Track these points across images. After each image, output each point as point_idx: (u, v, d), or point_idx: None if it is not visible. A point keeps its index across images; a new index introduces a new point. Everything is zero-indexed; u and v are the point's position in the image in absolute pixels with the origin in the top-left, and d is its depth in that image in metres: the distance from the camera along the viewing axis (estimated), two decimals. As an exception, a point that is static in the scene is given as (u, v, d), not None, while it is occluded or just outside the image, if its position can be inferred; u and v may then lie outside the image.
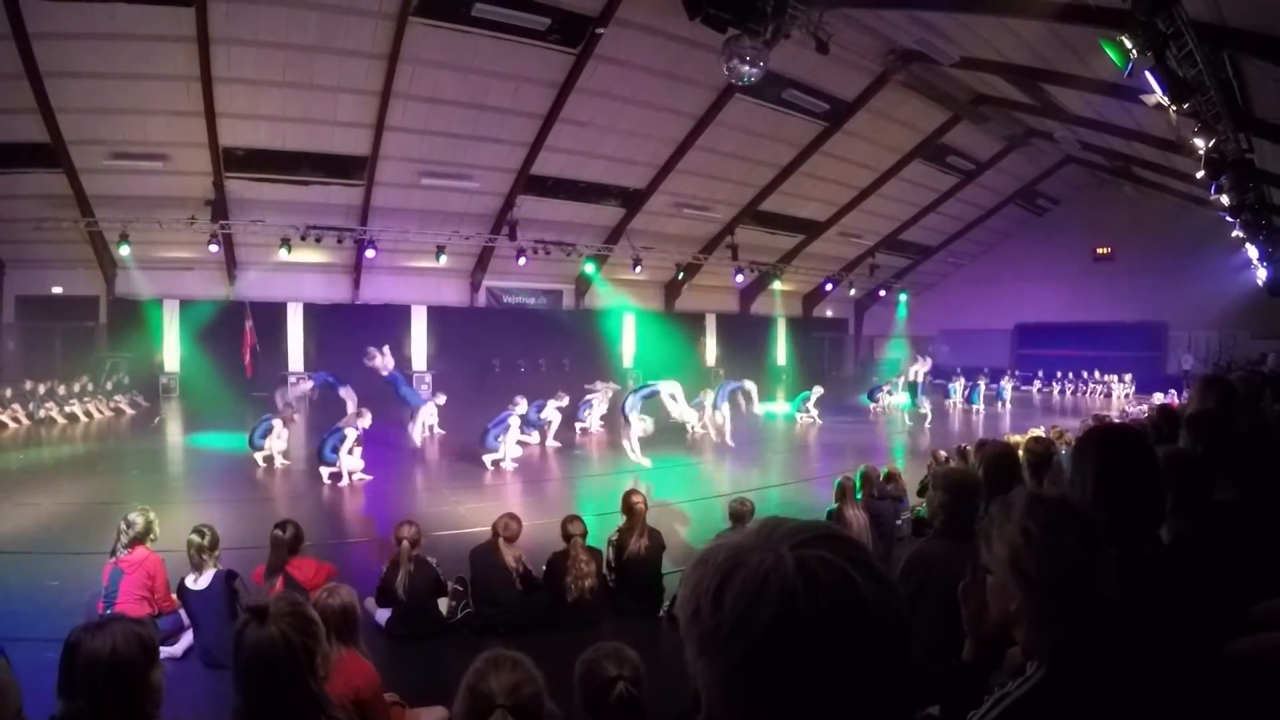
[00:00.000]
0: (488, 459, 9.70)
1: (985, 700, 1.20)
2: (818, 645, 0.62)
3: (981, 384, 19.12)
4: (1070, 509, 1.27)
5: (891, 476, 6.94)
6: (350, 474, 8.73)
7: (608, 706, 2.10)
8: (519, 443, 10.30)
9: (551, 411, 11.62)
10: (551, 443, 11.56)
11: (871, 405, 17.41)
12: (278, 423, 9.61)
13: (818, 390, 15.49)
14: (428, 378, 18.52)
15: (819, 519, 0.77)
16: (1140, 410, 13.06)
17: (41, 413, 13.74)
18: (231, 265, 17.52)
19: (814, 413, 15.23)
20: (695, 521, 7.27)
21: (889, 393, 17.11)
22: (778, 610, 0.62)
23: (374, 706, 2.90)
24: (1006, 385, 19.82)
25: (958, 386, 19.70)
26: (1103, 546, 1.23)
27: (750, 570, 0.65)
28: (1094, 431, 2.06)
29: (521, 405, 10.19)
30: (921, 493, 6.43)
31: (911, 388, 15.30)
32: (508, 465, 9.69)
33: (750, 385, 12.70)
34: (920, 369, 15.36)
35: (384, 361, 10.72)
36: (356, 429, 8.92)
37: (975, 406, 18.34)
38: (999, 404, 18.97)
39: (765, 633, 0.62)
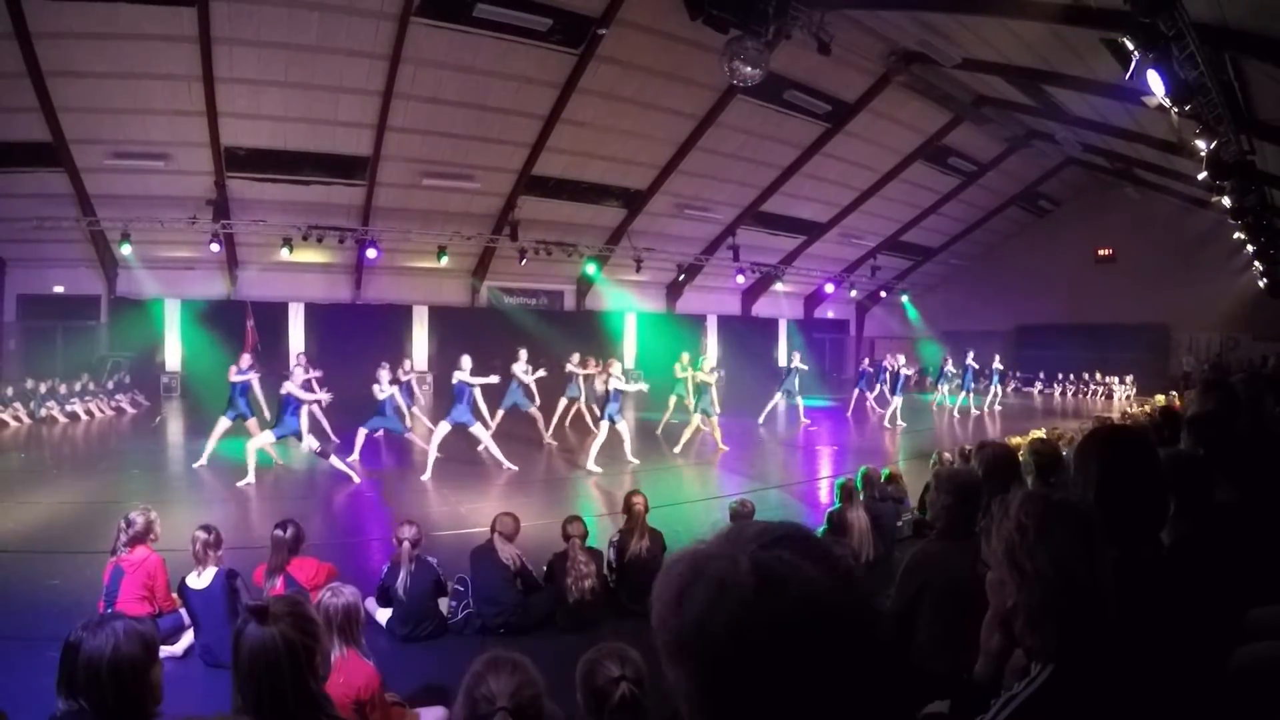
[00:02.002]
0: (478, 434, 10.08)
1: (992, 704, 1.20)
2: (779, 648, 0.61)
3: (974, 364, 18.52)
4: (1066, 506, 1.28)
5: (893, 478, 6.94)
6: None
7: (610, 707, 2.10)
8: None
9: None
10: (550, 441, 11.55)
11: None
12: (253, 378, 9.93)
13: (796, 356, 15.23)
14: (429, 378, 18.50)
15: (791, 519, 0.76)
16: (1141, 409, 13.02)
17: (43, 412, 13.76)
18: (233, 265, 17.53)
19: (802, 368, 14.94)
20: (696, 523, 7.25)
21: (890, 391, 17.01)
22: (731, 616, 0.62)
23: (374, 706, 2.91)
24: (1002, 378, 19.60)
25: (952, 371, 19.34)
26: (1100, 545, 1.23)
27: (708, 578, 0.64)
28: (1097, 432, 2.06)
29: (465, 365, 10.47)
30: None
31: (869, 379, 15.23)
32: (509, 466, 9.71)
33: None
34: (901, 368, 15.40)
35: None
36: (306, 370, 9.50)
37: (970, 398, 18.08)
38: (998, 400, 18.85)
39: (725, 639, 0.62)
